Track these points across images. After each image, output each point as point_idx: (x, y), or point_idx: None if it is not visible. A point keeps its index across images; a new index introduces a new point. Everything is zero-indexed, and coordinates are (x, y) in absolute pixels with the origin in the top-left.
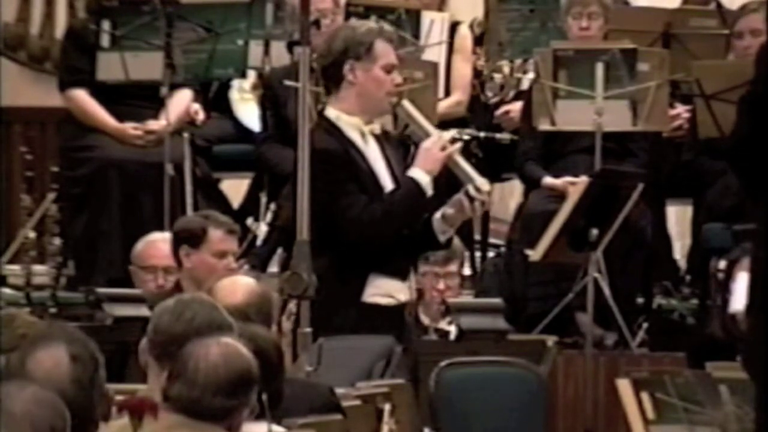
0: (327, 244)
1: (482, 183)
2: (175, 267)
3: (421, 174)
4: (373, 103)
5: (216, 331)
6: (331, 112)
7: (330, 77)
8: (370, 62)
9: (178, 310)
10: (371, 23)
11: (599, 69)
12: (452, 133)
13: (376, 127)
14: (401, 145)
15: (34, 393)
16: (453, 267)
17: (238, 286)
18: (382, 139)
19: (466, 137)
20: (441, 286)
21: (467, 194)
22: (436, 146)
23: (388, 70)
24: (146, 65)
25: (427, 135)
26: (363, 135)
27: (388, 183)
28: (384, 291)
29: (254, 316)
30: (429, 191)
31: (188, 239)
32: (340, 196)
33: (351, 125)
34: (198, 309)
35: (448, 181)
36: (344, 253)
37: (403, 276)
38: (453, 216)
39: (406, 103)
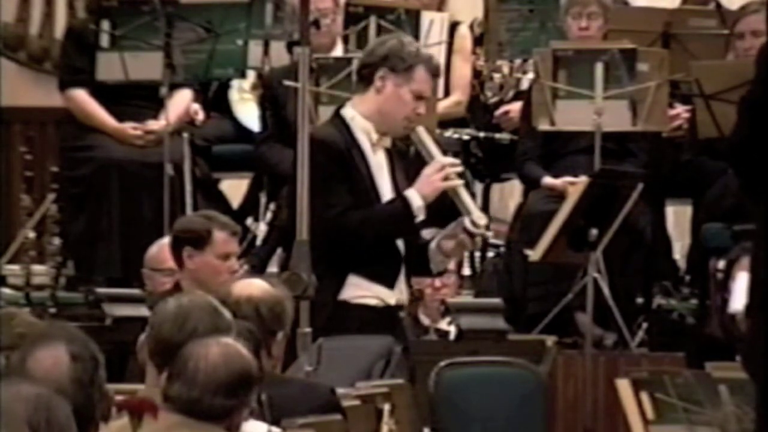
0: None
1: (479, 217)
2: None
3: (415, 196)
4: (389, 120)
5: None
6: (348, 112)
7: (362, 77)
8: (403, 80)
9: (179, 319)
10: (422, 47)
11: (599, 69)
12: (459, 168)
13: (387, 141)
14: (408, 161)
15: (18, 389)
16: (448, 264)
17: (257, 282)
18: (393, 153)
19: (465, 137)
20: (437, 283)
21: (465, 229)
22: (439, 174)
23: (418, 96)
24: (146, 65)
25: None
26: (372, 143)
27: (388, 196)
28: (370, 293)
29: (265, 313)
30: (420, 215)
31: (192, 240)
32: (325, 191)
33: (363, 129)
34: (199, 317)
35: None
36: (325, 249)
37: (389, 284)
38: (451, 249)
39: (421, 129)
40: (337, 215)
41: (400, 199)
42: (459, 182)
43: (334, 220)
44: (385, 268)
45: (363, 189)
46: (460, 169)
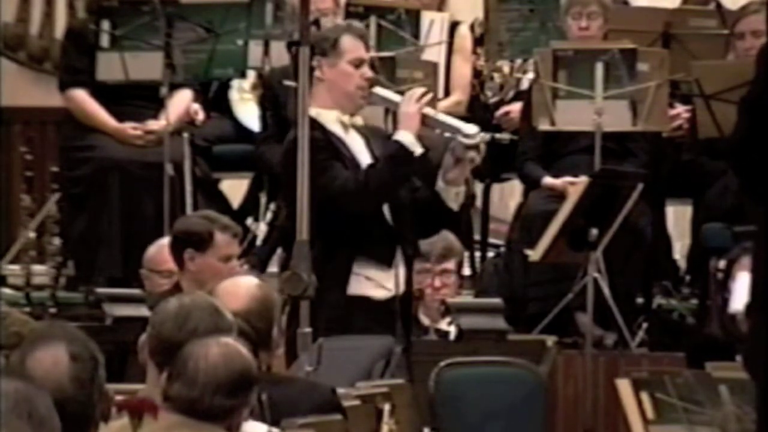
0: (314, 230)
1: (470, 128)
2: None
3: (404, 134)
4: (344, 97)
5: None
6: (311, 111)
7: None
8: (336, 57)
9: (180, 318)
10: (341, 22)
11: (599, 69)
12: (422, 89)
13: (358, 120)
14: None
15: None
16: (449, 264)
17: (241, 291)
18: (366, 132)
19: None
20: (437, 283)
21: (465, 147)
22: (410, 104)
23: (356, 64)
24: (146, 65)
25: None
26: (345, 127)
27: None
28: (373, 281)
29: (256, 322)
30: (417, 149)
31: (193, 242)
32: (322, 172)
33: (331, 120)
34: (200, 316)
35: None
36: (330, 237)
37: (388, 263)
38: (458, 174)
39: (375, 89)
40: (345, 182)
41: (392, 142)
42: (429, 97)
43: (345, 185)
44: (385, 247)
45: (351, 167)
46: (424, 89)
